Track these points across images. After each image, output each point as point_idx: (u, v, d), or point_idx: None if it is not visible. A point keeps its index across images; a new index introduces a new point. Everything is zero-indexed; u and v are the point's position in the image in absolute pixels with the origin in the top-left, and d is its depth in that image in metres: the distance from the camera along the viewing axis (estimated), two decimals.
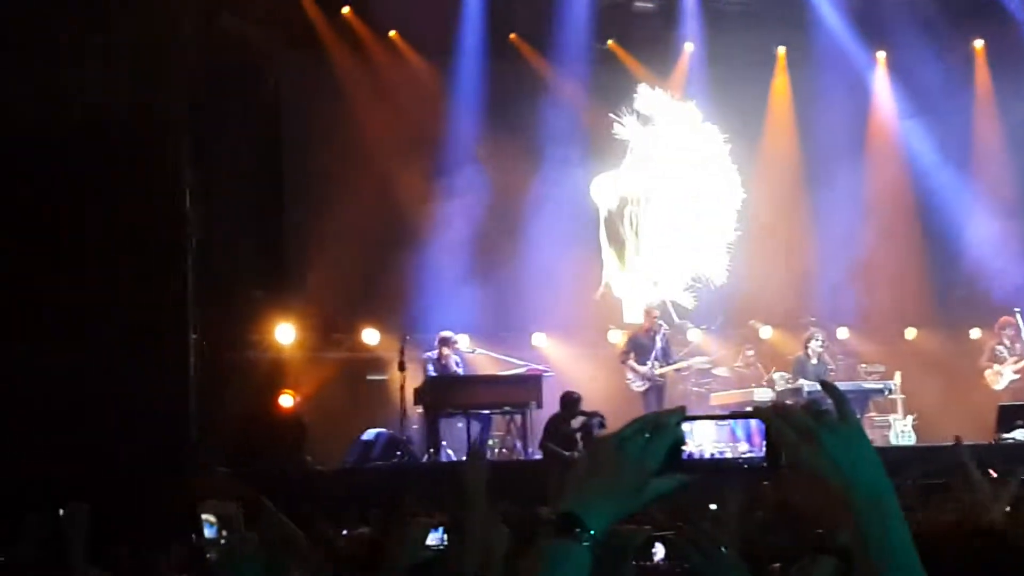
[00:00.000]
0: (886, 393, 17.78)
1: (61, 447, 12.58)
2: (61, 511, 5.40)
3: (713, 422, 2.45)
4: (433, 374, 16.32)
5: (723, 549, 3.26)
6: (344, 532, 8.81)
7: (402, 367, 15.84)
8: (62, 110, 13.62)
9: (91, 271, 13.56)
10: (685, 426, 2.57)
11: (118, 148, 13.80)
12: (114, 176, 13.76)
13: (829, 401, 2.50)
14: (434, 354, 16.62)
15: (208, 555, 8.05)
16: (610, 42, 19.64)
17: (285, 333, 16.94)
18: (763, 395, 17.12)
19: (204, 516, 8.60)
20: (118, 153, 13.81)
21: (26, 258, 13.37)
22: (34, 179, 13.54)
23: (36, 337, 13.18)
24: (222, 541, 8.23)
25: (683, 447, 2.56)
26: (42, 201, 13.53)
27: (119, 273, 13.60)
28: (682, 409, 2.61)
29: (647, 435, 2.50)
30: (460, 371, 16.72)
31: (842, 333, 19.30)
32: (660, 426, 2.52)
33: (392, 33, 18.72)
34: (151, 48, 14.12)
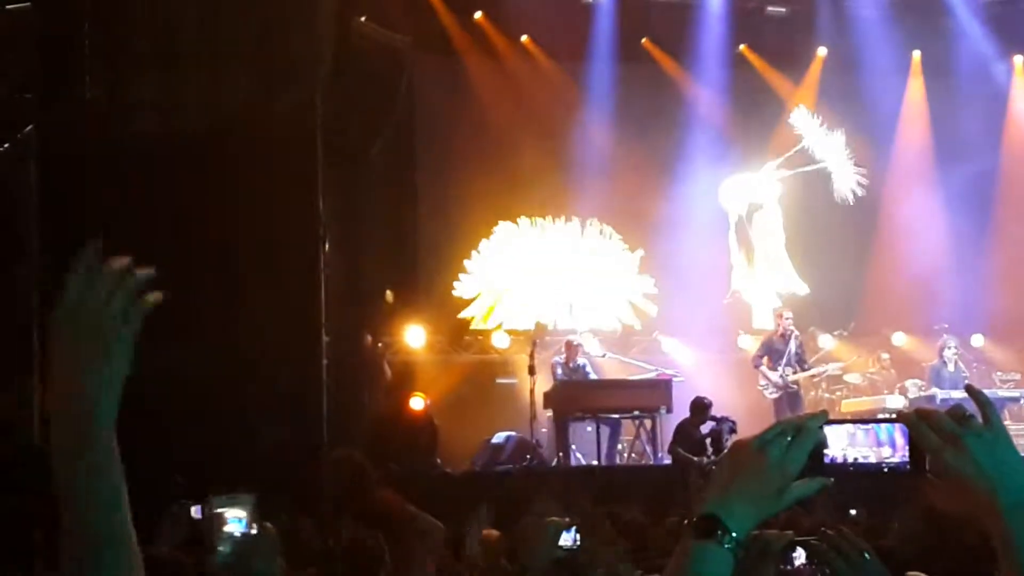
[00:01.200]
0: (1022, 401, 17.52)
1: (196, 446, 12.79)
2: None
3: (855, 426, 2.46)
4: (561, 378, 16.35)
5: (866, 555, 3.24)
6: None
7: (532, 371, 15.88)
8: (198, 114, 13.86)
9: (226, 272, 13.74)
10: (826, 429, 2.58)
11: (254, 151, 13.98)
12: (250, 179, 13.93)
13: (972, 406, 2.49)
14: (562, 358, 16.65)
15: (220, 547, 8.13)
16: (743, 47, 19.55)
17: (416, 335, 17.08)
18: (895, 402, 16.92)
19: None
20: (254, 156, 13.98)
21: (164, 260, 13.57)
22: (173, 182, 13.76)
23: (172, 338, 13.39)
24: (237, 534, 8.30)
25: (825, 451, 2.56)
26: (180, 203, 13.74)
27: (253, 275, 13.77)
28: (824, 413, 2.62)
29: (789, 438, 2.50)
30: (589, 375, 16.73)
31: (976, 340, 19.00)
32: (802, 429, 2.52)
33: (524, 38, 18.79)
34: (287, 52, 14.29)
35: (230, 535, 8.12)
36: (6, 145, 13.68)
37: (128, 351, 2.31)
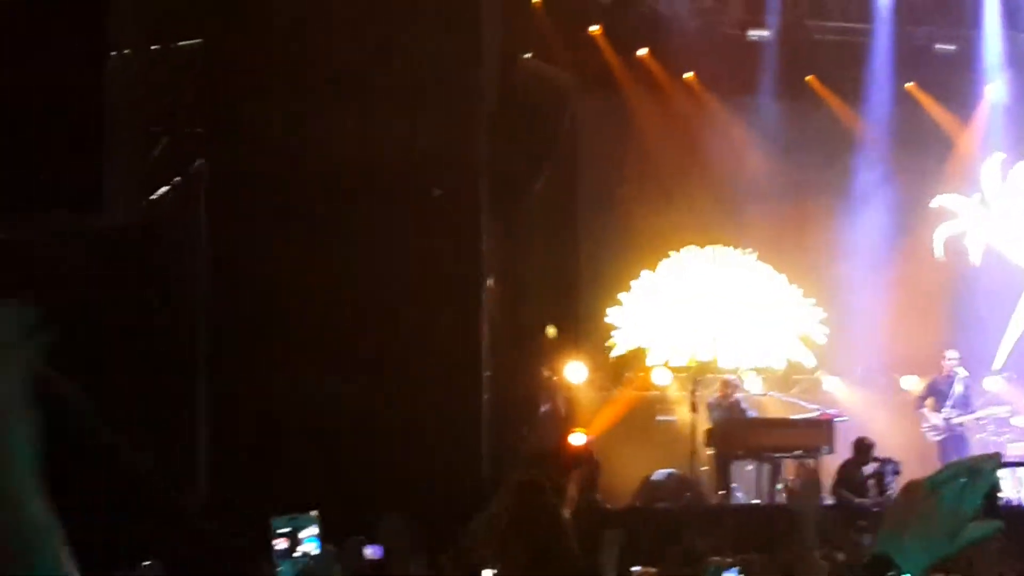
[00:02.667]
0: None
1: (357, 476, 12.94)
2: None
3: None
4: (717, 416, 16.27)
5: None
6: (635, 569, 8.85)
7: (693, 408, 15.82)
8: (363, 148, 14.06)
9: (388, 306, 13.90)
10: (1001, 472, 2.54)
11: (417, 185, 14.14)
12: (413, 213, 14.10)
13: None
14: (719, 396, 16.57)
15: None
16: (910, 84, 19.31)
17: (577, 371, 17.11)
18: None
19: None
20: (417, 190, 14.14)
21: (327, 293, 13.79)
22: (337, 215, 13.96)
23: (335, 370, 13.58)
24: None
25: (999, 493, 2.52)
26: (343, 235, 13.94)
27: (414, 309, 13.91)
28: (997, 455, 2.58)
29: (963, 480, 2.47)
30: (746, 413, 16.62)
31: None
32: (976, 471, 2.49)
33: (688, 74, 18.77)
34: (452, 87, 14.44)
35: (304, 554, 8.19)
36: (177, 179, 13.99)
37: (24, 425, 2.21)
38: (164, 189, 13.91)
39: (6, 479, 2.18)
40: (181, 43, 13.96)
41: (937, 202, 19.26)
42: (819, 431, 15.97)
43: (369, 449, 13.33)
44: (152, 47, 13.97)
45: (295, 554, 8.53)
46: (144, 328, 12.94)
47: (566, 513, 6.50)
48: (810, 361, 18.34)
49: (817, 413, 16.78)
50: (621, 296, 17.96)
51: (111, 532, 10.74)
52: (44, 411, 2.21)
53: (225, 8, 14.09)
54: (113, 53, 13.34)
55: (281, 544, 8.60)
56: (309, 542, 8.72)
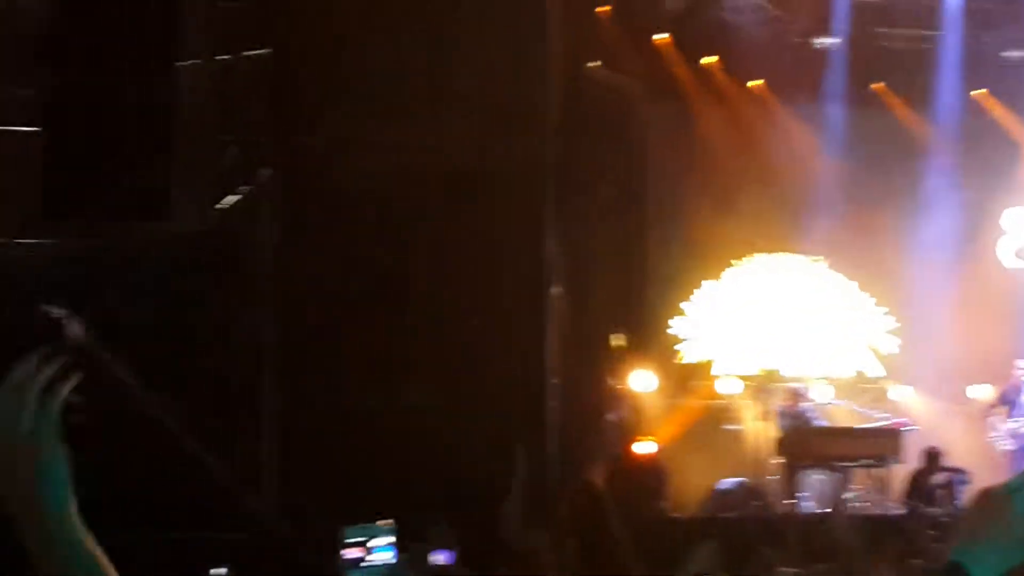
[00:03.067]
0: None
1: (423, 482, 12.98)
2: None
3: None
4: (785, 425, 16.20)
5: None
6: None
7: (761, 417, 15.76)
8: (427, 156, 14.11)
9: (454, 313, 13.93)
10: None
11: (483, 192, 14.17)
12: (478, 220, 14.12)
13: None
14: (786, 405, 16.49)
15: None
16: (979, 91, 19.14)
17: (644, 379, 17.07)
18: None
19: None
20: (483, 197, 14.17)
21: (392, 299, 13.84)
22: (401, 223, 14.01)
23: (399, 376, 13.63)
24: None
25: None
26: (408, 243, 13.99)
27: (480, 316, 13.93)
28: None
29: None
30: (813, 422, 16.54)
31: None
32: None
33: (754, 82, 18.71)
34: (517, 94, 14.46)
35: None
36: (245, 187, 14.07)
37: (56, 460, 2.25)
38: (232, 197, 14.00)
39: (49, 515, 2.24)
40: (250, 52, 14.05)
41: (1006, 215, 19.10)
42: (887, 440, 15.88)
43: (435, 456, 13.36)
44: (221, 56, 14.06)
45: (367, 563, 8.56)
46: (211, 336, 13.02)
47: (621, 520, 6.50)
48: (878, 370, 18.20)
49: (886, 422, 16.68)
50: (684, 306, 17.91)
51: (186, 540, 10.83)
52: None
53: (294, 18, 14.17)
54: (183, 63, 13.45)
55: (352, 553, 8.63)
56: (383, 551, 8.74)
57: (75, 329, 2.30)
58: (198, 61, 13.75)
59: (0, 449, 2.26)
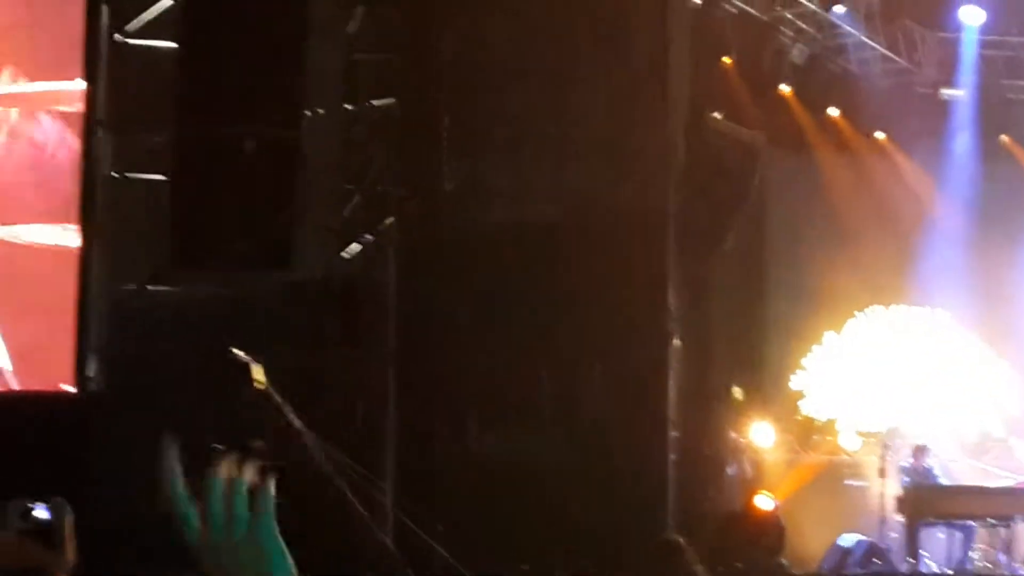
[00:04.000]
0: None
1: (538, 530, 12.97)
2: None
3: None
4: (908, 482, 15.97)
5: None
6: None
7: (882, 473, 15.55)
8: (549, 203, 14.15)
9: (572, 361, 13.92)
10: None
11: (604, 240, 14.16)
12: (599, 268, 14.10)
13: None
14: (909, 462, 16.26)
15: None
16: None
17: (764, 433, 16.93)
18: None
19: None
20: (603, 245, 14.15)
21: (510, 347, 13.85)
22: (522, 269, 14.03)
23: (515, 424, 13.65)
24: None
25: None
26: (528, 290, 14.00)
27: (600, 365, 13.90)
28: None
29: None
30: (937, 479, 16.29)
31: None
32: None
33: (879, 134, 18.59)
34: (639, 143, 14.45)
35: None
36: (368, 236, 14.18)
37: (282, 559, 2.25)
38: (356, 246, 14.11)
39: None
40: (375, 102, 14.19)
41: None
42: (1013, 499, 15.62)
43: (554, 507, 13.33)
44: (347, 106, 14.22)
45: None
46: (333, 383, 13.11)
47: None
48: (1003, 427, 17.89)
49: (1011, 481, 16.40)
50: (805, 361, 17.74)
51: None
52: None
53: (419, 68, 14.29)
54: (310, 112, 13.63)
55: None
56: None
57: (258, 374, 2.34)
58: (323, 111, 13.90)
59: (224, 555, 2.27)
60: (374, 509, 13.13)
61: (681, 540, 8.49)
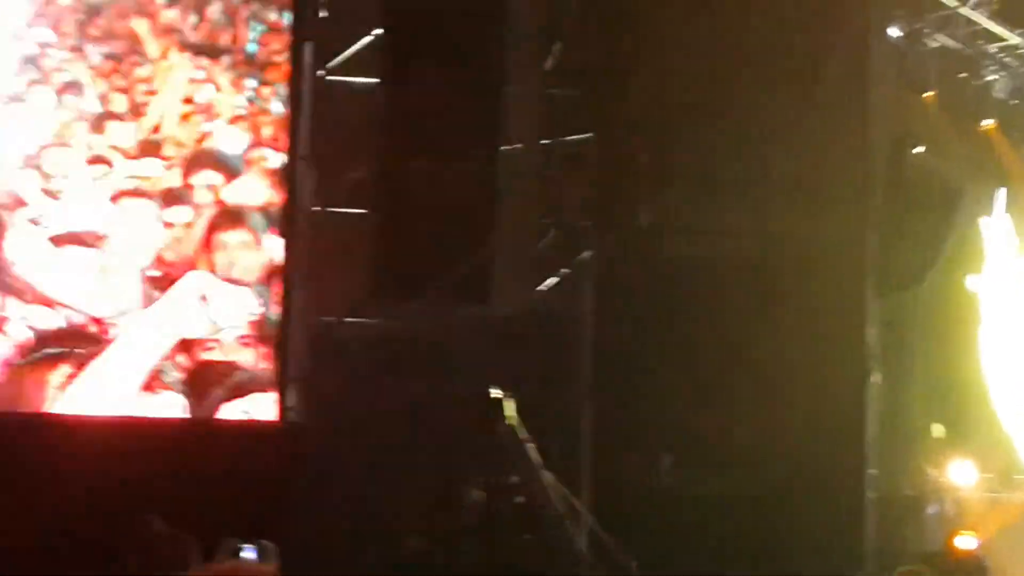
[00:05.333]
0: None
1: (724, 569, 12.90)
2: None
3: None
4: None
5: None
6: None
7: None
8: (745, 239, 14.06)
9: (767, 398, 13.79)
10: None
11: (800, 277, 14.02)
12: (795, 305, 13.97)
13: None
14: None
15: None
16: None
17: (965, 471, 16.56)
18: None
19: None
20: (800, 282, 14.02)
21: (706, 387, 13.77)
22: (719, 306, 13.95)
23: (710, 464, 13.57)
24: None
25: None
26: (724, 327, 13.92)
27: (795, 402, 13.76)
28: None
29: None
30: None
31: None
32: None
33: None
34: (837, 179, 14.31)
35: None
36: (564, 270, 14.23)
37: None
38: (552, 280, 14.17)
39: None
40: (572, 137, 14.25)
41: None
42: None
43: (748, 544, 13.23)
44: (543, 141, 14.31)
45: None
46: (527, 418, 13.14)
47: None
48: None
49: None
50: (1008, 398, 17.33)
51: None
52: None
53: (615, 103, 14.33)
54: (507, 147, 13.75)
55: None
56: None
57: (509, 409, 2.37)
58: (520, 146, 14.01)
59: None
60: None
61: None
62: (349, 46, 13.65)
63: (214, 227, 13.25)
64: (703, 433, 13.61)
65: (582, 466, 13.56)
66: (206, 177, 13.45)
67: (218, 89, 13.70)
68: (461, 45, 13.34)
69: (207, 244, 13.09)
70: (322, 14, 13.74)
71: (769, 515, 13.30)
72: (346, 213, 13.54)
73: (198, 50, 13.71)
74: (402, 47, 13.49)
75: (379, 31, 13.59)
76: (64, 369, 12.50)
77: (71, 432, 12.27)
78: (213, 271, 12.93)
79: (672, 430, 13.73)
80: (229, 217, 13.37)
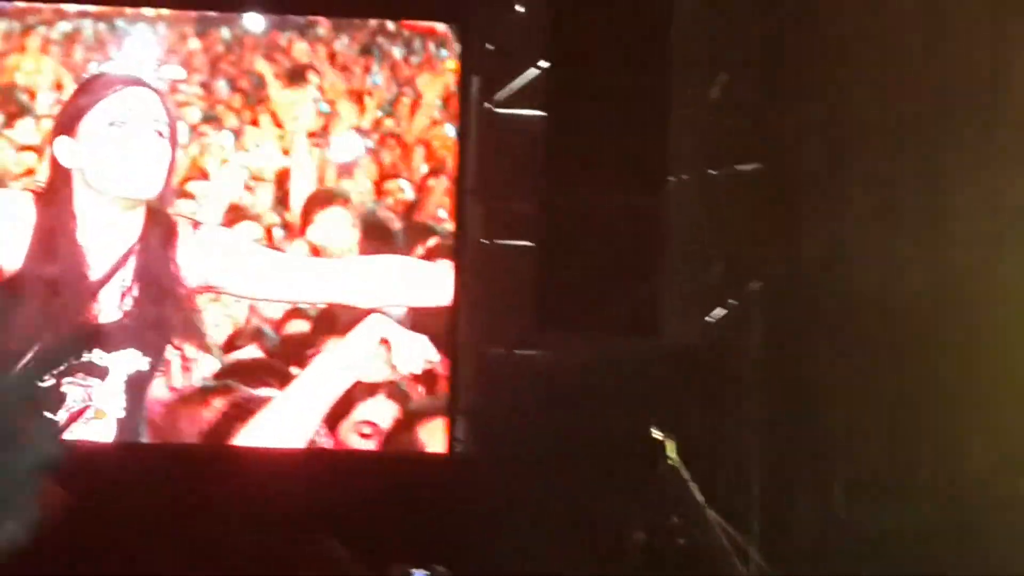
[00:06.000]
0: None
1: None
2: None
3: None
4: None
5: None
6: None
7: None
8: (919, 272, 13.80)
9: (947, 432, 13.49)
10: None
11: (977, 312, 13.71)
12: (974, 340, 13.67)
13: None
14: None
15: None
16: None
17: None
18: None
19: None
20: (977, 317, 13.71)
21: (885, 418, 13.52)
22: (894, 342, 13.71)
23: (888, 499, 13.30)
24: None
25: None
26: (893, 362, 13.67)
27: (980, 437, 13.46)
28: None
29: None
30: None
31: None
32: None
33: None
34: (1017, 209, 14.00)
35: None
36: (732, 301, 14.11)
37: None
38: (720, 311, 14.06)
39: None
40: (740, 167, 14.14)
41: None
42: None
43: None
44: (710, 171, 14.22)
45: None
46: (695, 452, 13.05)
47: None
48: None
49: None
50: None
51: None
52: None
53: (782, 132, 14.19)
54: (672, 178, 13.70)
55: None
56: None
57: (671, 450, 2.33)
58: (687, 176, 13.95)
59: None
60: None
61: None
62: (515, 78, 13.73)
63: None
64: (879, 466, 13.36)
65: (751, 502, 13.42)
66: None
67: (346, 120, 13.93)
68: (627, 77, 13.35)
69: None
70: (488, 47, 13.85)
71: (950, 546, 13.01)
72: (512, 245, 13.58)
73: (326, 84, 13.95)
74: (568, 79, 13.53)
75: (545, 64, 13.64)
76: (218, 403, 12.71)
77: (250, 462, 12.46)
78: None
79: (845, 463, 13.51)
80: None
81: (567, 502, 12.44)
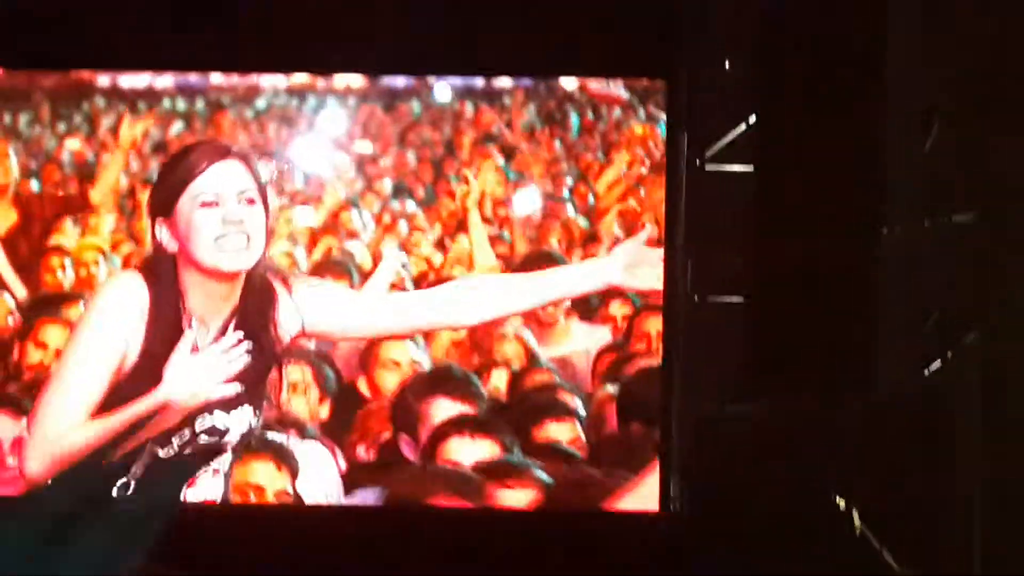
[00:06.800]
0: None
1: None
2: None
3: None
4: None
5: None
6: None
7: None
8: None
9: None
10: None
11: None
12: None
13: None
14: None
15: None
16: None
17: None
18: None
19: None
20: None
21: None
22: None
23: None
24: None
25: None
26: None
27: None
28: None
29: None
30: None
31: None
32: None
33: None
34: None
35: None
36: (948, 354, 13.84)
37: None
38: (935, 364, 13.80)
39: None
40: (956, 217, 13.89)
41: None
42: None
43: None
44: (925, 222, 13.98)
45: None
46: (915, 511, 12.83)
47: None
48: None
49: None
50: None
51: None
52: None
53: (1003, 180, 13.89)
54: (886, 230, 13.51)
55: None
56: None
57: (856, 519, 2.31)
58: (901, 228, 13.75)
59: None
60: None
61: None
62: (724, 135, 13.71)
63: None
64: None
65: (973, 560, 13.13)
66: None
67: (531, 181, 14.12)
68: (837, 128, 13.24)
69: None
70: (696, 101, 13.88)
71: None
72: (723, 301, 13.55)
73: (511, 152, 14.15)
74: (777, 133, 13.47)
75: (753, 118, 13.60)
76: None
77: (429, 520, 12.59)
78: None
79: None
80: None
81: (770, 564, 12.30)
